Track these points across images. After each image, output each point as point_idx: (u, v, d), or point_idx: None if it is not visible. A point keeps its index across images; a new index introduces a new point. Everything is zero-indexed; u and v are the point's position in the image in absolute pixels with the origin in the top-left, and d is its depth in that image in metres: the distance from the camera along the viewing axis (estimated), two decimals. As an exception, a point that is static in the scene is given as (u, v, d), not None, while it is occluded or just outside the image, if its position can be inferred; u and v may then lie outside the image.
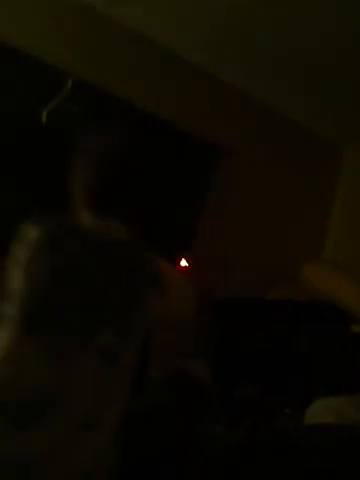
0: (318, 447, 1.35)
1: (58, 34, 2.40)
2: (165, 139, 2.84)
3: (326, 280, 2.97)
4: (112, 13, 2.45)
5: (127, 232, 1.38)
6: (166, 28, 2.51)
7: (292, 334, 2.46)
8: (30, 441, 1.15)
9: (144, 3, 2.33)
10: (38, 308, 1.24)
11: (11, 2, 2.31)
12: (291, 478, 1.32)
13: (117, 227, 1.37)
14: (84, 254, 1.29)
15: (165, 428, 1.58)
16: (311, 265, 3.13)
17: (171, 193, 2.87)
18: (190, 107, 2.81)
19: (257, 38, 2.44)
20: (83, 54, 2.48)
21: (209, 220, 2.96)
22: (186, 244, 2.92)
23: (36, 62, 2.37)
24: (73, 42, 2.44)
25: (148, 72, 2.66)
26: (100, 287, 1.27)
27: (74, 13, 2.42)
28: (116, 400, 1.27)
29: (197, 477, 1.42)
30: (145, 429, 1.48)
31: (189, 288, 1.55)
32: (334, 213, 3.46)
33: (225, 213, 2.97)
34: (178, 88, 2.78)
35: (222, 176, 3.00)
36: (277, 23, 2.29)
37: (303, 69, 2.62)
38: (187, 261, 1.87)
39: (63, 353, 1.21)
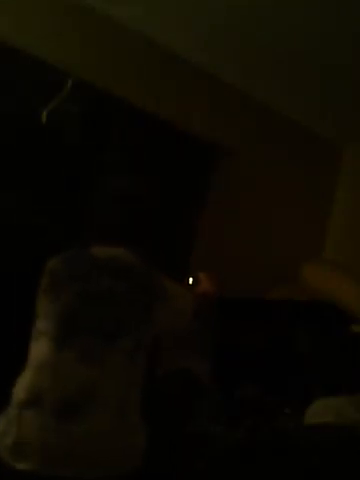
0: (318, 447, 1.36)
1: (58, 34, 2.39)
2: (165, 139, 2.84)
3: (326, 280, 2.97)
4: (112, 13, 2.45)
5: (136, 256, 1.66)
6: (166, 28, 2.51)
7: (292, 334, 2.46)
8: (74, 431, 1.40)
9: (144, 3, 2.33)
10: (69, 322, 1.52)
11: (11, 2, 2.31)
12: (291, 478, 1.32)
13: (125, 253, 1.66)
14: (101, 277, 1.59)
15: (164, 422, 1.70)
16: (311, 265, 3.13)
17: (171, 193, 2.87)
18: (190, 107, 2.81)
19: (257, 38, 2.44)
20: (83, 54, 2.48)
21: (209, 220, 2.96)
22: (187, 244, 2.93)
23: (36, 62, 2.37)
24: (73, 42, 2.44)
25: (148, 72, 2.66)
26: (117, 303, 1.56)
27: (74, 13, 2.42)
28: (137, 391, 1.53)
29: (198, 477, 1.42)
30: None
31: (188, 300, 1.76)
32: (334, 213, 3.45)
33: (225, 213, 2.97)
34: (178, 88, 2.78)
35: (222, 176, 3.00)
36: (277, 23, 2.30)
37: (303, 69, 2.62)
38: (193, 279, 2.04)
39: (95, 355, 1.49)
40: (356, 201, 3.38)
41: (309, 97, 2.90)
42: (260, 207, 3.10)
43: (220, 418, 1.97)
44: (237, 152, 3.01)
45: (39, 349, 1.52)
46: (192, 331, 1.86)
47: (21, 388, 1.49)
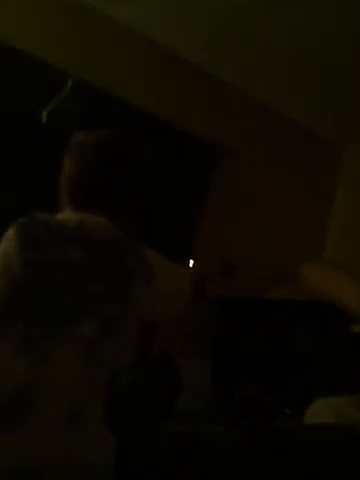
0: (318, 447, 1.36)
1: (58, 34, 2.39)
2: (165, 139, 2.84)
3: (326, 280, 2.97)
4: (112, 13, 2.45)
5: (112, 225, 1.33)
6: (166, 28, 2.51)
7: (292, 334, 2.46)
8: (9, 441, 1.09)
9: (144, 3, 2.33)
10: (12, 302, 1.22)
11: (11, 2, 2.31)
12: (291, 478, 1.32)
13: (100, 220, 1.33)
14: (60, 246, 1.27)
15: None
16: (311, 265, 3.13)
17: (171, 193, 2.87)
18: (190, 107, 2.81)
19: (257, 38, 2.44)
20: (83, 54, 2.48)
21: (209, 220, 2.96)
22: (187, 244, 2.92)
23: (36, 62, 2.37)
24: (73, 42, 2.44)
25: (148, 72, 2.66)
26: (79, 277, 1.25)
27: (74, 13, 2.42)
28: (100, 389, 1.22)
29: (198, 477, 1.42)
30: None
31: (184, 279, 1.47)
32: (334, 213, 3.45)
33: (225, 213, 2.97)
34: (178, 88, 2.78)
35: (222, 176, 3.00)
36: (277, 23, 2.30)
37: (303, 69, 2.62)
38: (194, 261, 1.85)
39: (39, 346, 1.17)
40: (356, 201, 3.38)
41: (309, 97, 2.90)
42: (260, 207, 3.10)
43: (220, 418, 1.97)
44: (237, 152, 3.01)
45: None
46: (191, 316, 1.62)
47: None
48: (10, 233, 1.31)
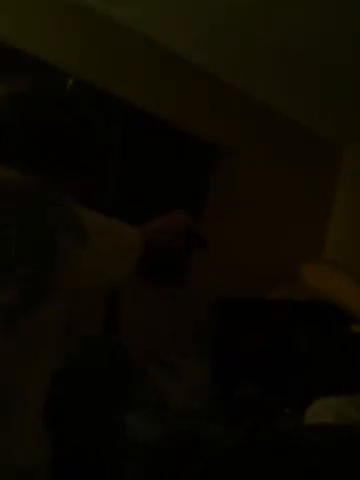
0: (318, 447, 1.36)
1: (58, 34, 2.40)
2: (165, 139, 2.84)
3: (326, 280, 2.97)
4: (112, 13, 2.45)
5: (27, 178, 1.11)
6: (166, 28, 2.51)
7: (292, 334, 2.46)
8: None
9: (144, 3, 2.33)
10: None
11: (11, 2, 2.31)
12: (291, 478, 1.32)
13: (11, 172, 1.10)
14: None
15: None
16: (311, 265, 3.13)
17: (171, 193, 2.87)
18: (190, 107, 2.81)
19: (257, 38, 2.44)
20: (83, 54, 2.48)
21: (209, 220, 2.96)
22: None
23: (36, 62, 2.37)
24: (73, 42, 2.44)
25: (148, 72, 2.66)
26: None
27: (74, 13, 2.42)
28: (29, 375, 1.02)
29: (198, 477, 1.42)
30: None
31: (133, 237, 1.22)
32: (334, 213, 3.45)
33: (225, 213, 2.97)
34: (178, 88, 2.78)
35: (222, 176, 3.00)
36: (277, 23, 2.30)
37: (303, 69, 2.62)
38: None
39: None
40: (356, 201, 3.38)
41: (309, 97, 2.90)
42: (260, 207, 3.10)
43: (220, 418, 1.97)
44: (237, 152, 3.01)
45: None
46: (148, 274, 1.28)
47: None
48: None
